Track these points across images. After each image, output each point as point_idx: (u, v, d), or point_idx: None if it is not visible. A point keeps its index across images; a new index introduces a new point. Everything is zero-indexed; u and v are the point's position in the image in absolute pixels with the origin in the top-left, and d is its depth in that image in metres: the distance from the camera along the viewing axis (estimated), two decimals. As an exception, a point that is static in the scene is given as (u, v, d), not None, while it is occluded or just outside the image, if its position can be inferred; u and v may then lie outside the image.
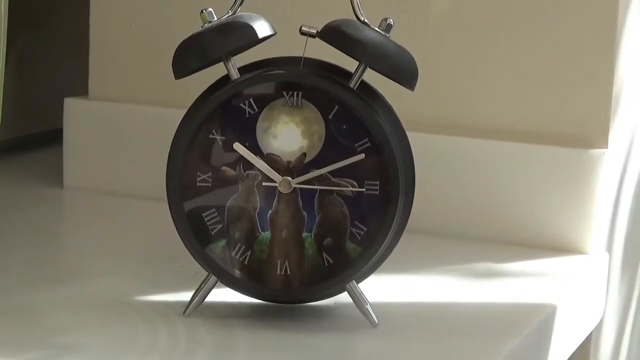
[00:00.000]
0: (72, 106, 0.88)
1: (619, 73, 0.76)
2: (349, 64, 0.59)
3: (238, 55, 0.58)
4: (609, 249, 0.78)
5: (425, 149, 0.75)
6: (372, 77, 0.58)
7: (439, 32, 0.78)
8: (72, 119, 0.88)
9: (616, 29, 0.74)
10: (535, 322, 0.61)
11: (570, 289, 0.69)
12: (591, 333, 0.77)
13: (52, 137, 0.93)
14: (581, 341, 0.73)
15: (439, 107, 0.79)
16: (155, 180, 0.85)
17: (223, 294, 0.60)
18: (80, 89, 0.90)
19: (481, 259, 0.73)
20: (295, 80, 0.57)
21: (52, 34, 1.00)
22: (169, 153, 0.59)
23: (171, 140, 0.59)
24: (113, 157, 0.87)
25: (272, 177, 0.58)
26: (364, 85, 0.58)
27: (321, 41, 0.58)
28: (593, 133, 0.75)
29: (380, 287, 0.63)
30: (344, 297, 0.59)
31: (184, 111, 0.84)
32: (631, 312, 0.90)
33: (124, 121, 0.87)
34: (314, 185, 0.58)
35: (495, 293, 0.66)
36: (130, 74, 0.88)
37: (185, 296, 0.62)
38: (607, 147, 0.75)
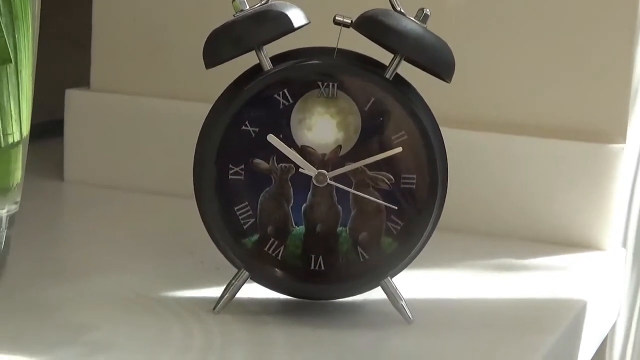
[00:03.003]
0: (73, 97, 0.86)
1: (637, 69, 0.75)
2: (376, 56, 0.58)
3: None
4: (624, 244, 0.78)
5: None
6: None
7: (454, 27, 0.77)
8: (73, 110, 0.86)
9: (635, 24, 0.74)
10: (570, 318, 0.60)
11: (596, 285, 0.68)
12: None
13: (52, 129, 0.91)
14: (604, 336, 0.72)
15: (456, 102, 0.78)
16: (157, 173, 0.84)
17: (250, 290, 0.58)
18: (82, 80, 0.88)
19: (503, 255, 0.72)
20: (331, 71, 0.56)
21: (53, 24, 0.98)
22: (198, 144, 0.57)
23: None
24: (115, 149, 0.85)
25: (306, 170, 0.56)
26: (398, 77, 0.57)
27: (349, 32, 0.57)
28: (612, 128, 0.75)
29: (410, 283, 0.61)
30: (377, 293, 0.58)
31: (188, 103, 0.83)
32: (637, 307, 0.90)
33: (126, 113, 0.85)
34: (350, 177, 0.56)
35: (524, 289, 0.65)
36: (132, 66, 0.86)
37: (209, 292, 0.60)
38: (625, 143, 0.74)
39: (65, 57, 0.98)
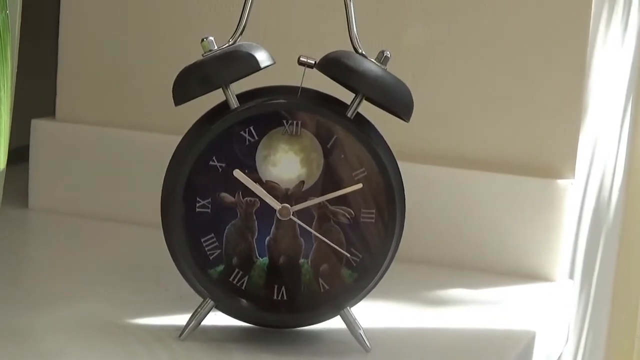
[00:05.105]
0: (39, 127, 0.88)
1: (585, 108, 0.78)
2: (338, 95, 0.60)
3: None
4: (571, 276, 0.81)
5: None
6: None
7: (411, 65, 0.80)
8: (39, 140, 0.88)
9: (585, 66, 0.77)
10: (520, 347, 0.63)
11: (544, 316, 0.71)
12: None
13: (15, 156, 0.92)
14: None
15: (413, 137, 0.80)
16: (122, 202, 0.86)
17: (214, 318, 0.60)
18: (47, 109, 0.90)
19: (456, 285, 0.74)
20: (295, 110, 0.59)
21: (20, 52, 1.00)
22: (166, 178, 0.59)
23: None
24: (80, 178, 0.87)
25: (271, 204, 0.59)
26: (359, 116, 0.60)
27: (313, 72, 0.59)
28: (561, 164, 0.78)
29: (368, 313, 0.64)
30: (337, 322, 0.60)
31: (153, 134, 0.85)
32: (583, 336, 0.93)
33: (91, 143, 0.87)
34: (312, 211, 0.59)
35: (477, 318, 0.68)
36: (97, 96, 0.88)
37: (175, 319, 0.62)
38: (574, 178, 0.77)
39: (30, 85, 0.99)
